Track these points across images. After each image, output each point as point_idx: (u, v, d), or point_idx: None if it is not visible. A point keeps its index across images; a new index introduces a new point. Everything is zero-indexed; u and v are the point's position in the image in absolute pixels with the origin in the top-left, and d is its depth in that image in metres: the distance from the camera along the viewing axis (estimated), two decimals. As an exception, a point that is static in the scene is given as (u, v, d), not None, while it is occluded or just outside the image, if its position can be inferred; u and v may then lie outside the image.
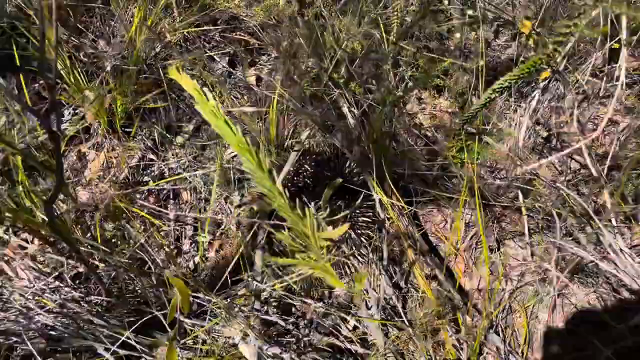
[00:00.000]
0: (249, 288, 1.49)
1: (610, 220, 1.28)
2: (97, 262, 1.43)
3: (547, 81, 1.48)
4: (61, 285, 1.29)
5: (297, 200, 1.21)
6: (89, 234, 1.52)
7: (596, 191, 1.54)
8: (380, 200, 1.44)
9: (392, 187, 1.39)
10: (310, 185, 1.51)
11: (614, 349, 1.19)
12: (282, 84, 1.64)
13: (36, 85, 2.04)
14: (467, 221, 1.66)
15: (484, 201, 1.52)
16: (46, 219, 1.40)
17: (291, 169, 1.52)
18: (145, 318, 1.20)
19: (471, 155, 1.39)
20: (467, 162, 1.36)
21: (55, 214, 1.37)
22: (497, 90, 1.03)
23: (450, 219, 1.69)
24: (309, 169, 1.52)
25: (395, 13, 1.41)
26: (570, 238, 1.50)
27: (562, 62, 1.38)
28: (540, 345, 1.41)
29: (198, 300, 1.41)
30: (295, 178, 1.51)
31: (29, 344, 1.10)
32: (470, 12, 1.66)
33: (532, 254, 1.46)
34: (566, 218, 1.38)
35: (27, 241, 1.56)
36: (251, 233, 1.42)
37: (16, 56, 1.78)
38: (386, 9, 1.83)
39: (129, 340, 1.21)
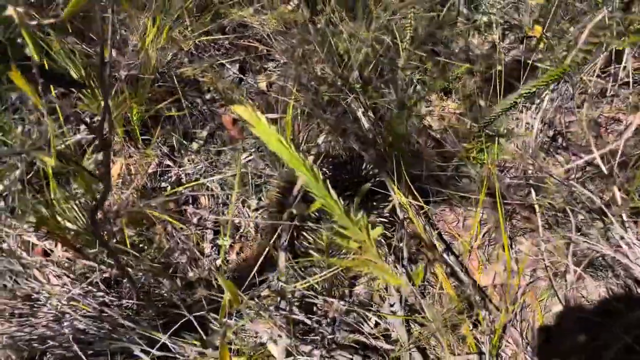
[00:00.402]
0: (272, 288, 1.53)
1: (621, 215, 1.34)
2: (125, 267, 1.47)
3: (556, 83, 1.54)
4: (93, 289, 1.33)
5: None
6: (114, 240, 1.56)
7: (603, 187, 1.60)
8: (399, 200, 1.49)
9: (412, 187, 1.44)
10: (333, 185, 1.55)
11: (633, 336, 1.25)
12: (297, 89, 1.69)
13: (50, 94, 2.07)
14: (479, 219, 1.72)
15: (496, 200, 1.58)
16: (71, 226, 1.44)
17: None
18: (182, 321, 1.24)
19: (491, 156, 1.44)
20: (487, 163, 1.41)
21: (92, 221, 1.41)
22: (524, 95, 1.09)
23: (462, 218, 1.75)
24: (327, 172, 1.57)
25: (409, 20, 1.46)
26: (579, 233, 1.56)
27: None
28: (556, 337, 1.46)
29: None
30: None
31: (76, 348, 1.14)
32: (481, 17, 1.71)
33: (544, 250, 1.51)
34: (577, 214, 1.44)
35: (45, 248, 1.60)
36: (275, 235, 1.46)
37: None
38: (394, 15, 1.89)
39: (162, 342, 1.25)
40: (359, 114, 1.69)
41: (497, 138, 1.42)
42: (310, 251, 1.51)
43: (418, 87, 1.88)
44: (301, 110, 1.75)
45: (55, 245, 1.56)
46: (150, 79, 1.86)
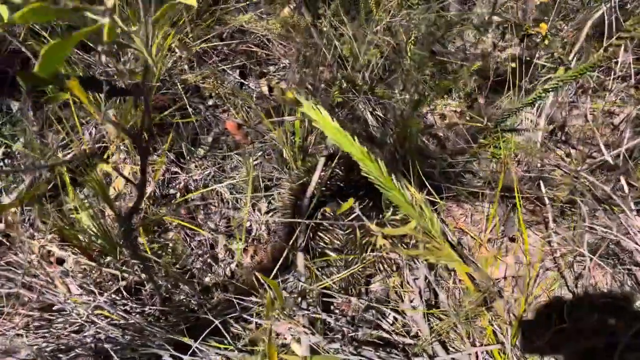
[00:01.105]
0: (288, 289, 1.55)
1: (628, 204, 1.39)
2: (142, 274, 1.47)
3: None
4: (117, 297, 1.33)
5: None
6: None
7: (604, 178, 1.65)
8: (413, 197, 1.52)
9: (427, 184, 1.47)
10: (343, 188, 1.58)
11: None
12: (305, 91, 1.71)
13: (51, 105, 2.06)
14: (487, 214, 1.76)
15: (506, 193, 1.62)
16: (86, 236, 1.44)
17: (322, 173, 1.59)
18: (210, 328, 1.25)
19: (506, 151, 1.48)
20: (503, 157, 1.45)
21: (103, 229, 1.41)
22: (549, 90, 1.12)
23: (470, 213, 1.78)
24: (340, 172, 1.59)
25: (414, 22, 1.49)
26: (585, 223, 1.61)
27: (573, 60, 1.49)
28: (567, 324, 1.50)
29: (244, 303, 1.46)
30: (329, 182, 1.57)
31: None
32: (478, 16, 1.75)
33: (555, 241, 1.56)
34: (586, 204, 1.48)
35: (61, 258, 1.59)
36: (294, 237, 1.48)
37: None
38: (394, 18, 1.92)
39: (186, 346, 1.26)
40: (367, 114, 1.72)
41: (512, 133, 1.45)
42: (327, 251, 1.53)
43: (426, 86, 1.92)
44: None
45: (70, 255, 1.56)
46: (155, 86, 1.87)
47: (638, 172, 1.46)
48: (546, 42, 1.53)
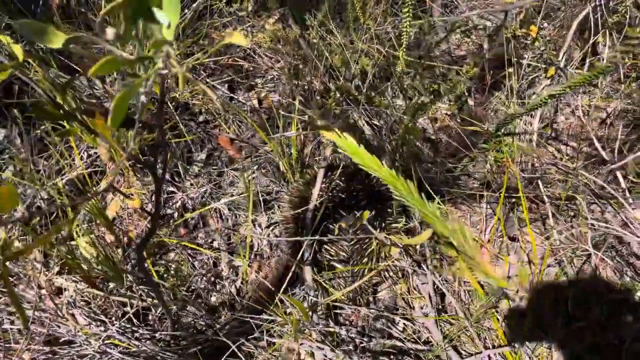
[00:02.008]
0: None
1: (626, 198, 1.42)
2: (149, 299, 1.45)
3: (551, 78, 1.62)
4: (127, 325, 1.31)
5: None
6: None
7: (596, 173, 1.69)
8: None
9: (430, 190, 1.48)
10: (345, 199, 1.58)
11: None
12: (300, 103, 1.71)
13: (38, 131, 2.02)
14: (485, 215, 1.78)
15: (505, 194, 1.64)
16: (88, 264, 1.41)
17: (323, 185, 1.59)
18: (229, 352, 1.24)
19: (507, 154, 1.50)
20: (506, 160, 1.47)
21: (105, 255, 1.39)
22: (554, 96, 1.14)
23: (469, 215, 1.80)
24: (340, 183, 1.59)
25: (405, 29, 1.50)
26: (589, 220, 1.64)
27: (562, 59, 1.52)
28: (574, 320, 1.53)
29: (253, 321, 1.45)
30: (330, 194, 1.58)
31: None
32: (460, 21, 1.78)
33: (556, 238, 1.58)
34: (585, 200, 1.51)
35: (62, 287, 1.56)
36: (301, 251, 1.47)
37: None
38: (380, 26, 1.94)
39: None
40: (361, 123, 1.72)
41: (512, 137, 1.48)
42: (334, 263, 1.53)
43: (422, 91, 1.94)
44: (307, 123, 1.78)
45: (74, 284, 1.53)
46: (145, 107, 1.84)
47: (631, 167, 1.49)
48: (536, 44, 1.56)
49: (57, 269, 1.34)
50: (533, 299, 1.52)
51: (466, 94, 1.97)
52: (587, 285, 1.55)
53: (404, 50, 1.58)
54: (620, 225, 1.50)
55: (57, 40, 0.49)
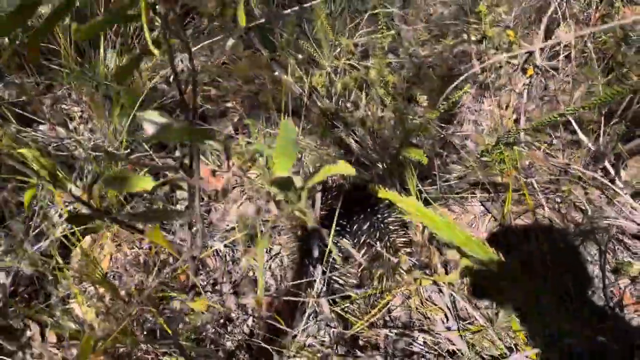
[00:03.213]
0: (310, 334, 1.52)
1: (618, 185, 1.48)
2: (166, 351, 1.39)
3: (530, 77, 1.65)
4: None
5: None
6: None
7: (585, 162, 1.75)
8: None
9: (421, 194, 1.49)
10: (345, 218, 1.56)
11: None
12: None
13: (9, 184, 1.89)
14: (479, 213, 1.81)
15: (492, 192, 1.67)
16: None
17: (321, 205, 1.57)
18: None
19: (511, 163, 1.53)
20: (509, 170, 1.50)
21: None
22: (571, 112, 1.16)
23: (462, 217, 1.83)
24: (334, 202, 1.58)
25: (380, 40, 1.50)
26: (591, 215, 1.69)
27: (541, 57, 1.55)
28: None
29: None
30: (330, 210, 1.56)
31: None
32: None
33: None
34: (576, 190, 1.56)
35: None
36: (318, 283, 1.45)
37: None
38: (350, 39, 1.93)
39: None
40: (349, 141, 1.71)
41: (512, 147, 1.51)
42: (347, 291, 1.51)
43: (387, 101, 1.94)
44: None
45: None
46: (125, 153, 1.77)
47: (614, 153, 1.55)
48: (514, 47, 1.59)
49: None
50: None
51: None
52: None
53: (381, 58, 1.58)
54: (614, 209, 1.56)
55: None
